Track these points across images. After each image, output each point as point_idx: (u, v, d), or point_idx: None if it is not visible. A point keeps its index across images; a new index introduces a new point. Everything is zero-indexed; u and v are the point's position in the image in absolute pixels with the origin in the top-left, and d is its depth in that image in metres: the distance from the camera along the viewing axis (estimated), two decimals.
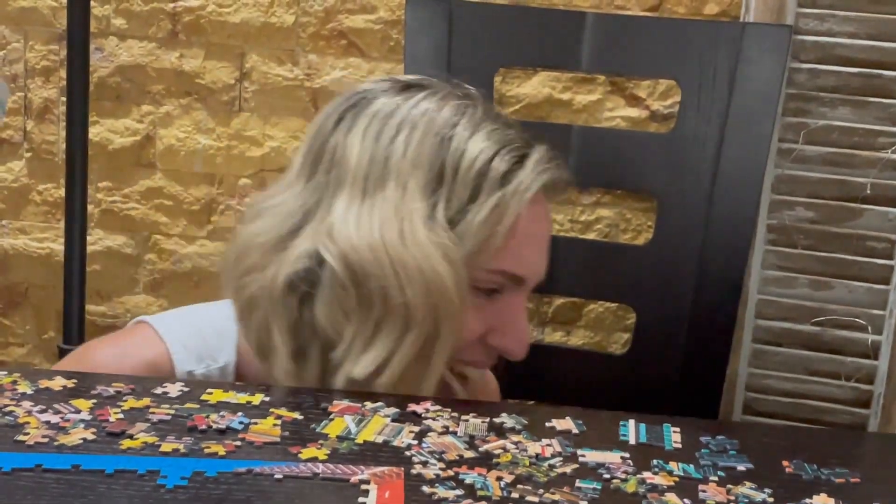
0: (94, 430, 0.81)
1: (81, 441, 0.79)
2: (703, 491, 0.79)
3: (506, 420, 0.90)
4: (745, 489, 0.79)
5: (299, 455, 0.79)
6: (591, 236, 1.76)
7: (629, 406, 1.01)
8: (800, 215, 1.54)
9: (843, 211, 1.52)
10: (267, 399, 0.91)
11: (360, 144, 0.99)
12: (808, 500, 0.78)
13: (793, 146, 1.52)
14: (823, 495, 0.79)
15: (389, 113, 1.00)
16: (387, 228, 0.95)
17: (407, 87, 1.03)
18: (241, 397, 0.90)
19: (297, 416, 0.87)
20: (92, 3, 1.58)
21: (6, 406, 0.84)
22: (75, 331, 1.58)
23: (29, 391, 0.88)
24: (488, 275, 1.00)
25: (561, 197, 1.08)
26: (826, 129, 1.51)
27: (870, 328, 1.53)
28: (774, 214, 1.53)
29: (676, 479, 0.80)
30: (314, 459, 0.79)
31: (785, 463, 0.85)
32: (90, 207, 1.72)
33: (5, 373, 0.91)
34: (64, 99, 1.59)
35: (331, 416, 0.88)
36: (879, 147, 1.50)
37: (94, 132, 1.75)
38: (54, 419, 0.82)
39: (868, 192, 1.51)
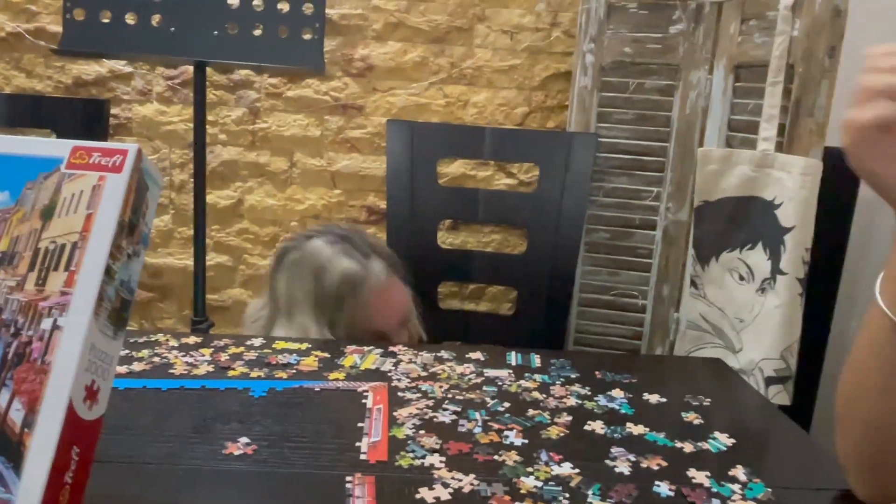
0: (213, 366, 0.80)
1: (206, 372, 0.79)
2: (552, 389, 0.80)
3: (444, 354, 0.90)
4: (575, 388, 0.81)
5: (328, 377, 0.80)
6: (488, 249, 1.77)
7: (514, 344, 1.01)
8: (601, 236, 1.55)
9: (624, 233, 1.54)
10: (310, 346, 0.90)
11: (283, 284, 1.00)
12: (609, 393, 0.80)
13: (596, 198, 1.54)
14: (617, 389, 0.81)
15: (297, 261, 1.00)
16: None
17: (309, 237, 1.03)
18: (295, 345, 0.90)
19: (326, 355, 0.87)
20: (206, 126, 1.55)
21: (163, 353, 0.83)
22: (201, 309, 1.55)
23: (175, 344, 0.87)
24: (370, 333, 1.00)
25: (397, 275, 1.06)
26: (613, 189, 1.53)
27: (640, 296, 1.55)
28: (588, 235, 1.55)
29: (538, 383, 0.82)
30: (337, 379, 0.79)
31: (596, 373, 0.86)
32: (208, 240, 1.69)
33: (162, 334, 0.90)
34: (192, 180, 1.56)
35: (345, 355, 0.87)
36: (643, 198, 1.52)
37: (209, 198, 1.72)
38: (190, 360, 0.82)
39: (637, 222, 1.53)
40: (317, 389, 0.76)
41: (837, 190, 1.20)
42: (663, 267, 1.52)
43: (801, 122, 1.18)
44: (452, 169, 1.75)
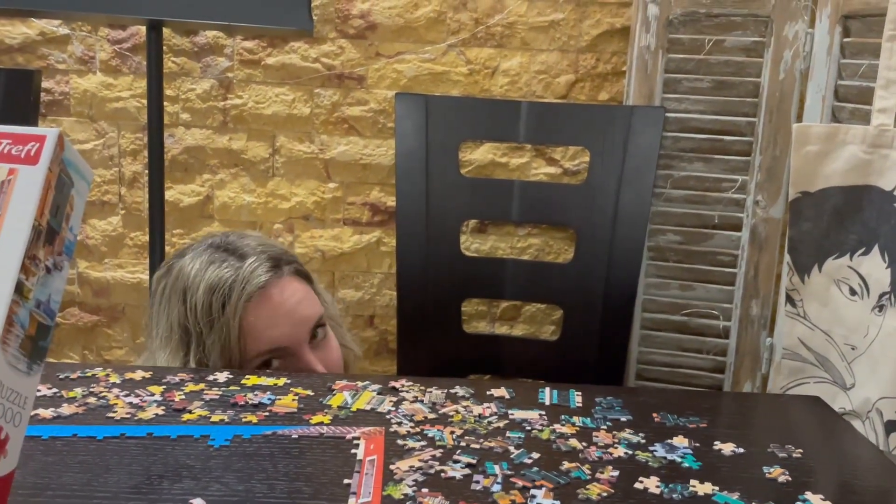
0: (163, 407, 0.82)
1: (154, 416, 0.80)
2: (596, 436, 0.80)
3: (458, 390, 0.91)
4: (625, 434, 0.81)
5: (310, 420, 0.80)
6: (525, 257, 1.77)
7: (558, 378, 1.01)
8: (670, 239, 1.55)
9: (700, 235, 1.54)
10: (289, 381, 0.91)
11: (154, 323, 1.02)
12: (669, 441, 0.79)
13: (663, 190, 1.54)
14: (681, 436, 0.81)
15: (164, 290, 1.03)
16: None
17: (179, 257, 1.05)
18: (270, 381, 0.91)
19: (309, 392, 0.88)
20: (165, 103, 1.58)
21: (101, 392, 0.85)
22: None
23: (117, 381, 0.88)
24: (258, 357, 1.00)
25: (286, 270, 1.04)
26: (686, 178, 1.53)
27: (721, 317, 1.54)
28: (652, 239, 1.55)
29: (577, 428, 0.82)
30: (320, 423, 0.80)
31: (654, 415, 0.86)
32: (167, 248, 1.72)
33: (100, 368, 0.91)
34: (147, 171, 1.59)
35: (334, 392, 0.89)
36: (723, 189, 1.52)
37: (169, 194, 1.75)
38: (135, 400, 0.83)
39: (717, 221, 1.53)
40: (294, 437, 0.76)
41: None
42: (751, 278, 1.51)
43: None
44: (478, 155, 1.76)
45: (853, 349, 1.23)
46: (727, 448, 0.78)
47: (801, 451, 0.78)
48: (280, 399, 0.85)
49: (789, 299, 1.31)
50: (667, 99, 1.52)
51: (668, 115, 1.51)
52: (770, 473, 0.73)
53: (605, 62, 1.72)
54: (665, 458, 0.76)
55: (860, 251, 1.21)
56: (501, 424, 0.82)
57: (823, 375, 1.28)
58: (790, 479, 0.72)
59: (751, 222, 1.50)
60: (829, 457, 0.80)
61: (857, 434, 0.87)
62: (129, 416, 0.79)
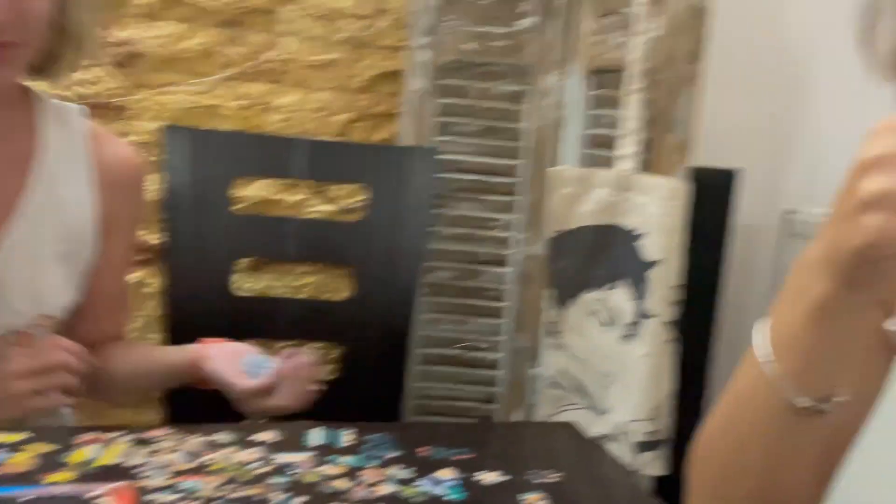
0: None
1: None
2: (362, 474, 0.78)
3: (221, 437, 0.86)
4: (393, 470, 0.80)
5: (45, 480, 0.72)
6: (301, 296, 1.74)
7: (338, 416, 0.98)
8: (442, 276, 1.58)
9: (470, 272, 1.58)
10: (26, 437, 0.81)
11: None
12: (435, 474, 0.79)
13: (436, 228, 1.57)
14: (447, 468, 0.81)
15: None
16: None
17: None
18: (3, 436, 0.81)
19: (50, 448, 0.79)
20: None
21: None
22: None
23: None
24: None
25: None
26: (457, 217, 1.57)
27: (491, 349, 1.59)
28: (427, 276, 1.57)
29: (346, 468, 0.80)
30: (56, 483, 0.72)
31: (421, 449, 0.85)
32: None
33: None
34: None
35: (75, 448, 0.80)
36: (490, 227, 1.57)
37: None
38: None
39: (485, 258, 1.58)
40: (27, 498, 0.69)
41: (708, 217, 1.30)
42: (519, 312, 1.57)
43: (663, 138, 1.28)
44: (251, 192, 1.70)
45: (606, 376, 1.30)
46: (490, 477, 0.79)
47: (558, 475, 0.81)
48: (13, 457, 0.76)
49: (550, 331, 1.37)
50: (439, 141, 1.56)
51: (441, 156, 1.55)
52: (526, 500, 0.75)
53: (380, 103, 1.74)
54: (429, 491, 0.75)
55: (608, 285, 1.30)
56: (266, 470, 0.78)
57: (581, 402, 1.34)
58: (548, 503, 0.75)
59: (516, 259, 1.57)
60: (583, 479, 0.84)
61: (609, 456, 0.92)
62: None
